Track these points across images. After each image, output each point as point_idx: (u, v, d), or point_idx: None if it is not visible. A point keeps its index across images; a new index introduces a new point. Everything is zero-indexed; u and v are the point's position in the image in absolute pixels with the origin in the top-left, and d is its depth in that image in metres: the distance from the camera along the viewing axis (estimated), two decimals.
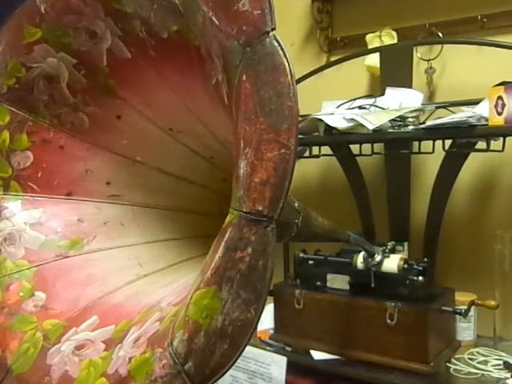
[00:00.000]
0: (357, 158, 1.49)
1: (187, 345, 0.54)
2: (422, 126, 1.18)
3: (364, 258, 1.20)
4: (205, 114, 0.79)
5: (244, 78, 0.54)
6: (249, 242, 0.52)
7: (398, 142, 1.31)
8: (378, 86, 1.46)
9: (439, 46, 1.44)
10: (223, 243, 0.54)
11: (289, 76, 0.52)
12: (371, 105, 1.33)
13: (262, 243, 0.52)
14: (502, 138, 1.12)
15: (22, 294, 0.76)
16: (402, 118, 1.21)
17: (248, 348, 1.20)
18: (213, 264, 0.54)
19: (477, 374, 1.16)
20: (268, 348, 1.31)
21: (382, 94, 1.37)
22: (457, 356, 1.23)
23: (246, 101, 0.54)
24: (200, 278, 0.56)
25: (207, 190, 0.95)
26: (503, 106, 1.05)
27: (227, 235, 0.53)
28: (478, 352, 1.25)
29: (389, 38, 1.48)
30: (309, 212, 0.80)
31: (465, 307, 1.18)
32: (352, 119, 1.20)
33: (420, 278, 1.15)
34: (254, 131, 0.52)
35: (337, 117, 1.24)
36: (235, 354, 0.52)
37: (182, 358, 0.54)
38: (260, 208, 0.52)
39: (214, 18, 0.58)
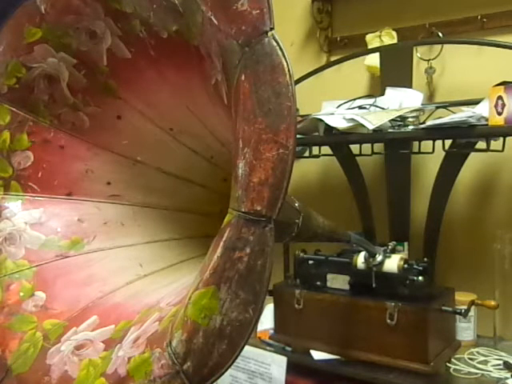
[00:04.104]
0: (357, 158, 1.49)
1: (186, 345, 0.54)
2: (422, 126, 1.18)
3: (365, 258, 1.20)
4: (205, 114, 0.79)
5: (243, 77, 0.54)
6: (247, 242, 0.52)
7: (398, 142, 1.31)
8: (378, 86, 1.46)
9: (439, 46, 1.44)
10: (222, 243, 0.54)
11: (287, 76, 0.52)
12: (371, 105, 1.33)
13: (261, 243, 0.52)
14: (502, 138, 1.12)
15: (22, 293, 0.76)
16: (402, 118, 1.21)
17: (248, 348, 1.20)
18: (211, 264, 0.54)
19: (477, 373, 1.16)
20: (268, 348, 1.31)
21: (382, 94, 1.37)
22: (457, 356, 1.23)
23: (244, 100, 0.54)
24: (199, 278, 0.56)
25: (207, 190, 0.95)
26: (503, 106, 1.05)
27: (226, 235, 0.53)
28: (478, 352, 1.25)
29: (389, 37, 1.48)
30: (309, 212, 0.80)
31: (465, 307, 1.18)
32: (352, 119, 1.20)
33: (420, 277, 1.15)
34: (252, 131, 0.52)
35: (337, 117, 1.24)
36: (233, 354, 0.52)
37: (181, 358, 0.54)
38: (258, 208, 0.52)
39: (213, 18, 0.58)
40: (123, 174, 0.87)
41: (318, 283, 1.30)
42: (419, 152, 1.29)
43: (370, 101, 1.35)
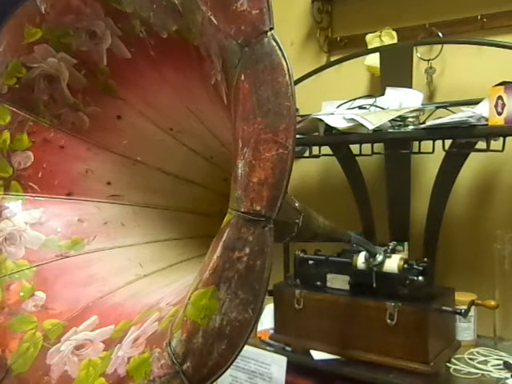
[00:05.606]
0: (357, 157, 1.49)
1: (185, 345, 0.54)
2: (422, 126, 1.18)
3: (365, 258, 1.20)
4: (205, 114, 0.79)
5: (242, 77, 0.54)
6: (247, 242, 0.52)
7: (398, 142, 1.31)
8: (377, 86, 1.46)
9: (439, 46, 1.44)
10: (221, 243, 0.54)
11: (287, 76, 0.52)
12: (371, 105, 1.33)
13: (260, 243, 0.52)
14: (501, 138, 1.12)
15: (22, 293, 0.76)
16: (402, 118, 1.21)
17: (248, 348, 1.20)
18: (211, 264, 0.54)
19: (477, 373, 1.16)
20: (268, 348, 1.31)
21: (382, 94, 1.37)
22: (457, 356, 1.23)
23: (244, 100, 0.54)
24: (198, 278, 0.56)
25: (207, 190, 0.95)
26: (503, 106, 1.05)
27: (225, 235, 0.53)
28: (478, 352, 1.25)
29: (389, 37, 1.48)
30: (310, 212, 0.80)
31: (465, 307, 1.19)
32: (352, 119, 1.20)
33: (420, 278, 1.15)
34: (252, 131, 0.52)
35: (337, 117, 1.24)
36: (233, 354, 0.52)
37: (180, 358, 0.54)
38: (258, 208, 0.52)
39: (212, 18, 0.58)
40: (123, 174, 0.87)
41: (318, 283, 1.30)
42: (419, 152, 1.29)
43: (370, 101, 1.35)
